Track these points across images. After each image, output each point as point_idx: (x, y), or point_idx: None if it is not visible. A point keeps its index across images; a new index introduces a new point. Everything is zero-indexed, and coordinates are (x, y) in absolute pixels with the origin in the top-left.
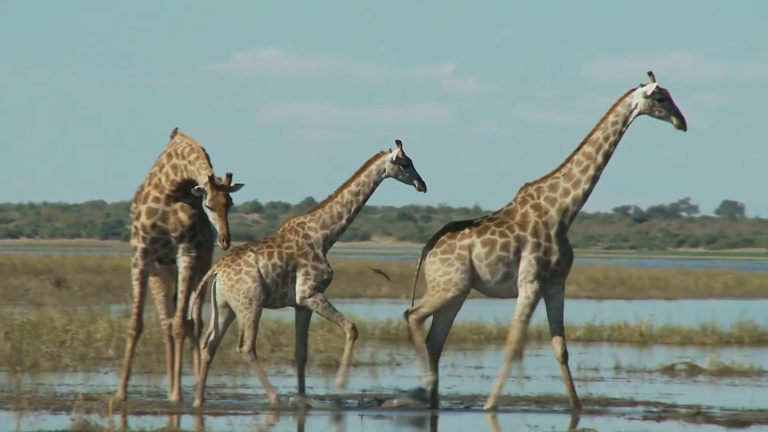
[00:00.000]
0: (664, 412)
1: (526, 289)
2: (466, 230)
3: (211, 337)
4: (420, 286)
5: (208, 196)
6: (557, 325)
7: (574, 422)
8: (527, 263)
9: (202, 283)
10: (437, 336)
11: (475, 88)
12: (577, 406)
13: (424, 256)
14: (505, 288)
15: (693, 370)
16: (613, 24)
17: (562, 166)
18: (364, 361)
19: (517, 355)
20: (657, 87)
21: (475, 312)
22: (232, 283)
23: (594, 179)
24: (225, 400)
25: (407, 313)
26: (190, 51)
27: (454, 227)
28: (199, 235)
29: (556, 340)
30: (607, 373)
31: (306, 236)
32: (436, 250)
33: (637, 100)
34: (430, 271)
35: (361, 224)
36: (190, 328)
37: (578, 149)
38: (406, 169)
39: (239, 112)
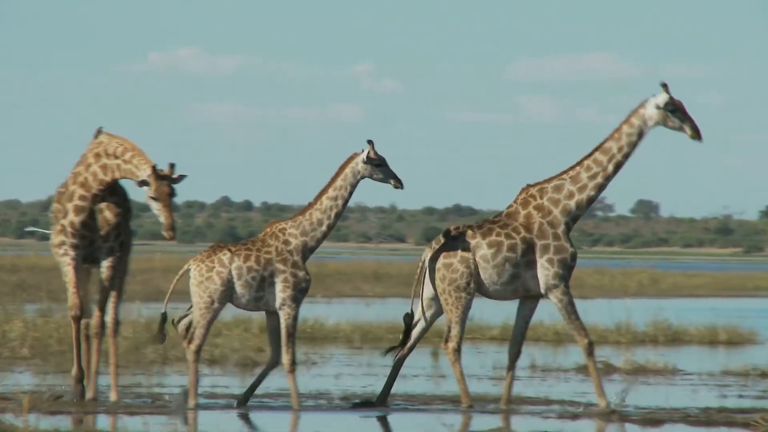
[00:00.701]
0: (579, 410)
1: (555, 294)
2: (469, 232)
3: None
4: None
5: (153, 187)
6: (524, 324)
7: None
8: (542, 268)
9: (177, 278)
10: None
11: (392, 88)
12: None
13: (424, 260)
14: (512, 289)
15: (608, 369)
16: (533, 24)
17: (571, 168)
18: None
19: (592, 345)
20: (670, 98)
21: (392, 312)
22: (202, 279)
23: (600, 187)
24: (140, 399)
25: (406, 318)
26: (105, 51)
27: (455, 230)
28: (123, 235)
29: (514, 352)
30: (522, 372)
31: (286, 242)
32: (438, 254)
33: (651, 111)
34: (437, 280)
35: None
36: (116, 327)
37: (590, 155)
38: (379, 168)
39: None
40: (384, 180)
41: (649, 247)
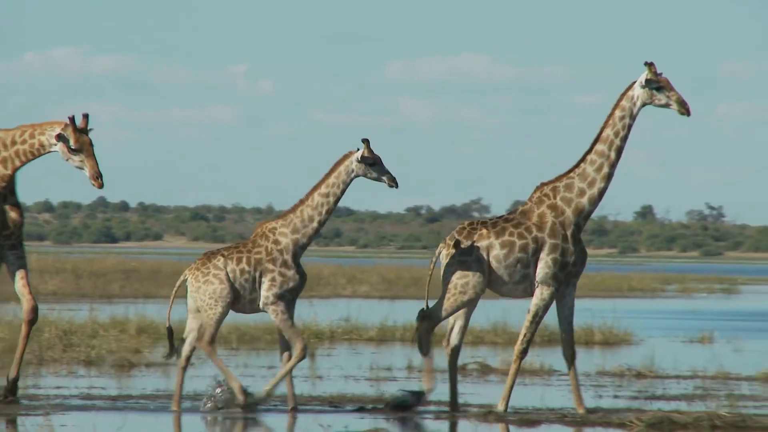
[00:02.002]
0: (457, 411)
1: (542, 291)
2: (483, 231)
3: (186, 343)
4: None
5: (72, 139)
6: (566, 324)
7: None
8: (544, 264)
9: (175, 289)
10: (454, 339)
11: (268, 89)
12: (580, 404)
13: (438, 257)
14: (522, 288)
15: (484, 370)
16: (407, 26)
17: (576, 166)
18: (157, 361)
19: (525, 354)
20: (653, 75)
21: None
22: (200, 284)
23: (609, 177)
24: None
25: (421, 314)
26: None
27: (469, 228)
28: (22, 234)
29: (565, 339)
30: (399, 373)
31: (276, 242)
32: (453, 251)
33: (637, 91)
34: (448, 274)
35: (153, 224)
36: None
37: (591, 149)
38: (373, 167)
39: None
40: (378, 179)
41: None
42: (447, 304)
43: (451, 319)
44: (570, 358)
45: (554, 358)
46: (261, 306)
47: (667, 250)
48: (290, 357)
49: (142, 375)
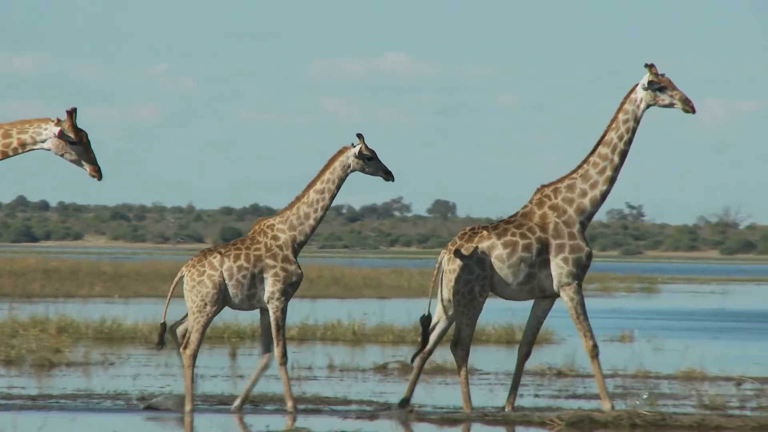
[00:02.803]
0: (378, 410)
1: (567, 292)
2: (484, 232)
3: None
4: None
5: (73, 133)
6: (536, 324)
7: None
8: (556, 266)
9: (173, 286)
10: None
11: (189, 88)
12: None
13: (441, 263)
14: (528, 289)
15: (406, 369)
16: (330, 25)
17: (579, 167)
18: (77, 360)
19: (597, 348)
20: (655, 76)
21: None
22: (194, 284)
23: (611, 180)
24: None
25: (423, 320)
26: None
27: (470, 232)
28: None
29: (526, 339)
30: (320, 372)
31: (275, 237)
32: (454, 255)
33: (641, 94)
34: (452, 281)
35: (73, 223)
36: None
37: (594, 151)
38: (370, 162)
39: None
40: (374, 174)
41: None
42: (464, 319)
43: (434, 318)
44: (524, 356)
45: (475, 357)
46: (266, 300)
47: None
48: (269, 360)
49: (63, 374)
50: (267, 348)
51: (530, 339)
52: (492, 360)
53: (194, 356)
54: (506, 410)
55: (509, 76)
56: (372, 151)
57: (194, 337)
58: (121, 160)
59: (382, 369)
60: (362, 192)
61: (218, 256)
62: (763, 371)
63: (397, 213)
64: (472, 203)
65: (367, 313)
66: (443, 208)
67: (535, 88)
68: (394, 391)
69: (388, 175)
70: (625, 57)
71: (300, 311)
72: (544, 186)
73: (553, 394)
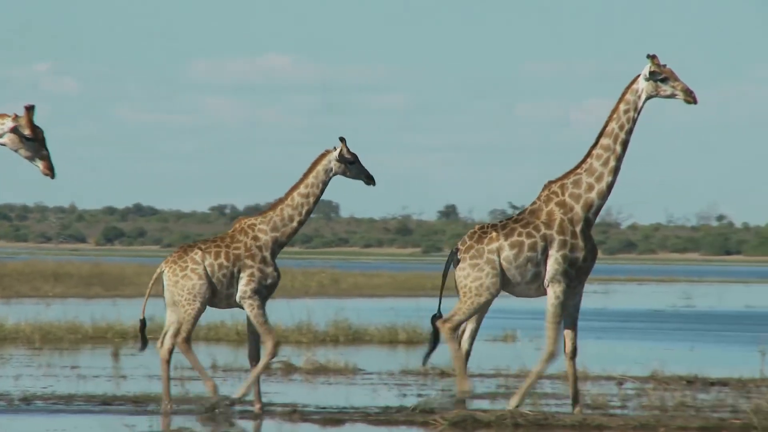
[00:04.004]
0: (261, 410)
1: (555, 289)
2: (493, 234)
3: (167, 336)
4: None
5: (29, 130)
6: (571, 320)
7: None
8: (554, 261)
9: (151, 282)
10: (466, 342)
11: (71, 88)
12: (576, 402)
13: (450, 262)
14: (535, 287)
15: (289, 369)
16: (212, 25)
17: (583, 161)
18: None
19: (554, 356)
20: (656, 67)
21: (73, 312)
22: (177, 278)
23: (616, 170)
24: None
25: (434, 319)
26: None
27: (480, 232)
28: None
29: (568, 335)
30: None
31: (255, 238)
32: (464, 255)
33: (642, 85)
34: (461, 277)
35: None
36: None
37: (596, 143)
38: (352, 166)
39: None
40: (356, 177)
41: (330, 247)
42: (464, 307)
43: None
44: (570, 354)
45: (358, 356)
46: (238, 300)
47: None
48: (257, 362)
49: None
50: (254, 352)
51: (573, 338)
52: (375, 360)
53: (188, 341)
54: (575, 411)
55: (390, 76)
56: (354, 155)
57: (186, 327)
58: (3, 160)
59: (265, 369)
60: (246, 192)
61: (199, 252)
62: (644, 371)
63: None
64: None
65: None
66: (327, 208)
67: (416, 88)
68: (277, 391)
69: (369, 179)
70: (505, 58)
71: None
72: (551, 182)
73: (437, 394)
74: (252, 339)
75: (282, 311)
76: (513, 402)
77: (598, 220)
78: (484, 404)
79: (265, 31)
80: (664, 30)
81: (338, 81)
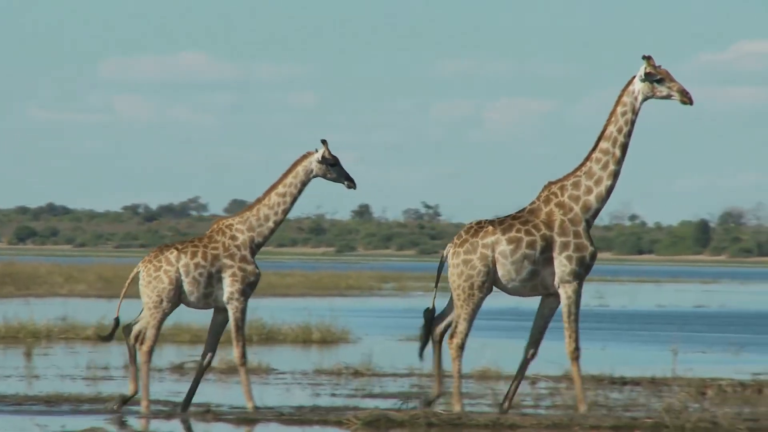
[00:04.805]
0: (174, 409)
1: (566, 290)
2: (489, 227)
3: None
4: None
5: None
6: (543, 325)
7: None
8: (559, 263)
9: (128, 281)
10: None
11: None
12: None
13: (446, 256)
14: (530, 286)
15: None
16: (123, 23)
17: (582, 164)
18: None
19: (578, 353)
20: (652, 68)
21: None
22: (150, 279)
23: (615, 174)
24: None
25: (426, 313)
26: None
27: (477, 226)
28: None
29: (533, 348)
30: (116, 372)
31: (233, 237)
32: (459, 249)
33: (638, 86)
34: (454, 276)
35: None
36: None
37: (595, 146)
38: (333, 168)
39: None
40: (337, 180)
41: None
42: (463, 313)
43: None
44: (530, 357)
45: (272, 356)
46: (225, 301)
47: (384, 249)
48: (211, 360)
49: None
50: (212, 348)
51: (537, 339)
52: (288, 359)
53: (150, 352)
54: (504, 407)
55: (304, 74)
56: (335, 158)
57: (150, 333)
58: None
59: (178, 369)
60: (159, 191)
61: (175, 252)
62: (557, 370)
63: (194, 212)
64: None
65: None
66: (240, 208)
67: (329, 87)
68: None
69: (350, 182)
70: (416, 57)
71: (96, 311)
72: (551, 183)
73: (350, 394)
74: (212, 341)
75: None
76: (580, 408)
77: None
78: (398, 404)
79: (176, 29)
80: (577, 27)
81: (250, 79)
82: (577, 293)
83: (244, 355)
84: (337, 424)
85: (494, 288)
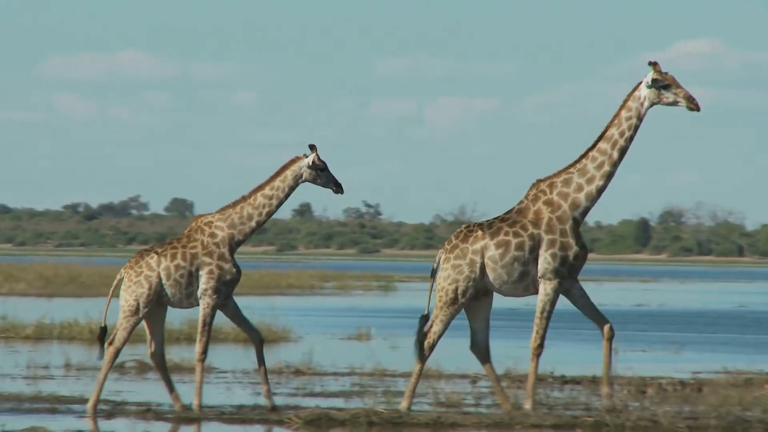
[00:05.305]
0: (114, 409)
1: (545, 287)
2: (479, 232)
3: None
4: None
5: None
6: (592, 309)
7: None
8: (543, 260)
9: (112, 288)
10: (478, 339)
11: None
12: (609, 385)
13: (438, 261)
14: (522, 286)
15: (143, 368)
16: (65, 22)
17: (577, 161)
18: None
19: (541, 350)
20: (658, 74)
21: None
22: (131, 284)
23: (609, 176)
24: None
25: (423, 319)
26: None
27: (466, 231)
28: None
29: (604, 324)
30: (57, 371)
31: (212, 235)
32: (449, 255)
33: (645, 92)
34: (441, 278)
35: None
36: None
37: (594, 146)
38: (323, 173)
39: None
40: (325, 185)
41: None
42: (441, 315)
43: (470, 323)
44: (608, 334)
45: (212, 355)
46: (198, 295)
47: (325, 248)
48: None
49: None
50: (251, 329)
51: (601, 320)
52: (230, 358)
53: (117, 353)
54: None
55: (244, 73)
56: (324, 163)
57: (121, 335)
58: None
59: (119, 368)
60: (99, 190)
61: (155, 257)
62: (498, 369)
63: (134, 211)
64: (210, 201)
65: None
66: (181, 207)
67: (269, 86)
68: (131, 389)
69: (337, 188)
70: (356, 56)
71: (36, 310)
72: (539, 180)
73: (291, 392)
74: (242, 326)
75: None
76: (527, 405)
77: (452, 218)
78: (339, 403)
79: (117, 28)
80: (517, 26)
81: (190, 78)
82: (556, 291)
83: (204, 352)
84: (279, 423)
85: (487, 290)
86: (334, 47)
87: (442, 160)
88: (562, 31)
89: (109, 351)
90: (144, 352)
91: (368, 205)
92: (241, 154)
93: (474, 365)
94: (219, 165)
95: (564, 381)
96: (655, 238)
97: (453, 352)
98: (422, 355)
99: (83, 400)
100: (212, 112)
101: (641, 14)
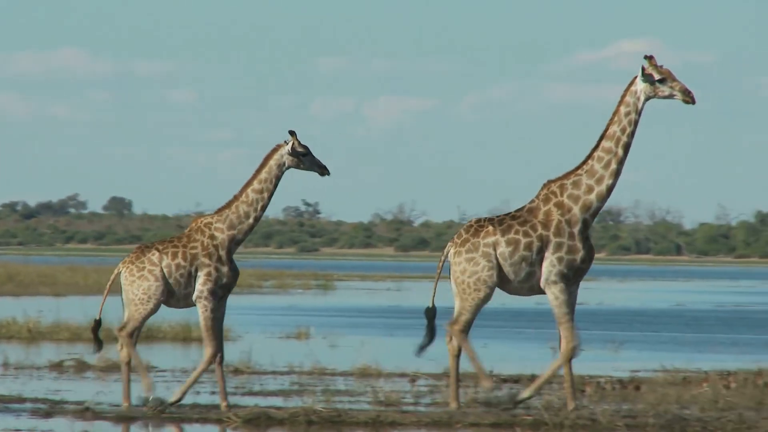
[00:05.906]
0: (52, 408)
1: (553, 291)
2: (489, 228)
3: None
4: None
5: (300, 148)
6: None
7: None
8: (549, 263)
9: (109, 283)
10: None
11: None
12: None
13: (447, 255)
14: (528, 287)
15: (81, 367)
16: (2, 20)
17: (584, 163)
18: None
19: (575, 351)
20: (653, 68)
21: None
22: (134, 278)
23: (617, 173)
24: None
25: (428, 312)
26: None
27: (476, 225)
28: None
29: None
30: (14, 370)
31: (212, 237)
32: (460, 249)
33: (641, 86)
34: (457, 273)
35: None
36: None
37: (597, 145)
38: (305, 158)
39: None
40: (310, 169)
41: (123, 244)
42: (467, 305)
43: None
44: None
45: (152, 354)
46: (194, 298)
47: (264, 246)
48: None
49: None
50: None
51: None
52: (169, 357)
53: (131, 336)
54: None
55: (183, 71)
56: (305, 147)
57: (132, 325)
58: None
59: (57, 366)
60: (38, 189)
61: (156, 253)
62: (437, 368)
63: (72, 210)
64: (148, 200)
65: (42, 310)
66: (119, 205)
67: (208, 83)
68: (69, 388)
69: (323, 170)
70: (296, 54)
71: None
72: (550, 182)
73: (230, 391)
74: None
75: (75, 309)
76: (525, 394)
77: (390, 216)
78: (278, 401)
79: (55, 25)
80: (456, 25)
81: (130, 76)
82: (565, 293)
83: (215, 354)
84: (218, 422)
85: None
86: (273, 45)
87: (381, 158)
88: (501, 30)
89: (122, 335)
90: (81, 351)
91: (307, 204)
92: (180, 153)
93: (413, 364)
94: (158, 164)
95: (503, 380)
96: (594, 236)
97: (392, 350)
98: (461, 338)
99: (21, 399)
100: (151, 111)
101: (580, 13)
